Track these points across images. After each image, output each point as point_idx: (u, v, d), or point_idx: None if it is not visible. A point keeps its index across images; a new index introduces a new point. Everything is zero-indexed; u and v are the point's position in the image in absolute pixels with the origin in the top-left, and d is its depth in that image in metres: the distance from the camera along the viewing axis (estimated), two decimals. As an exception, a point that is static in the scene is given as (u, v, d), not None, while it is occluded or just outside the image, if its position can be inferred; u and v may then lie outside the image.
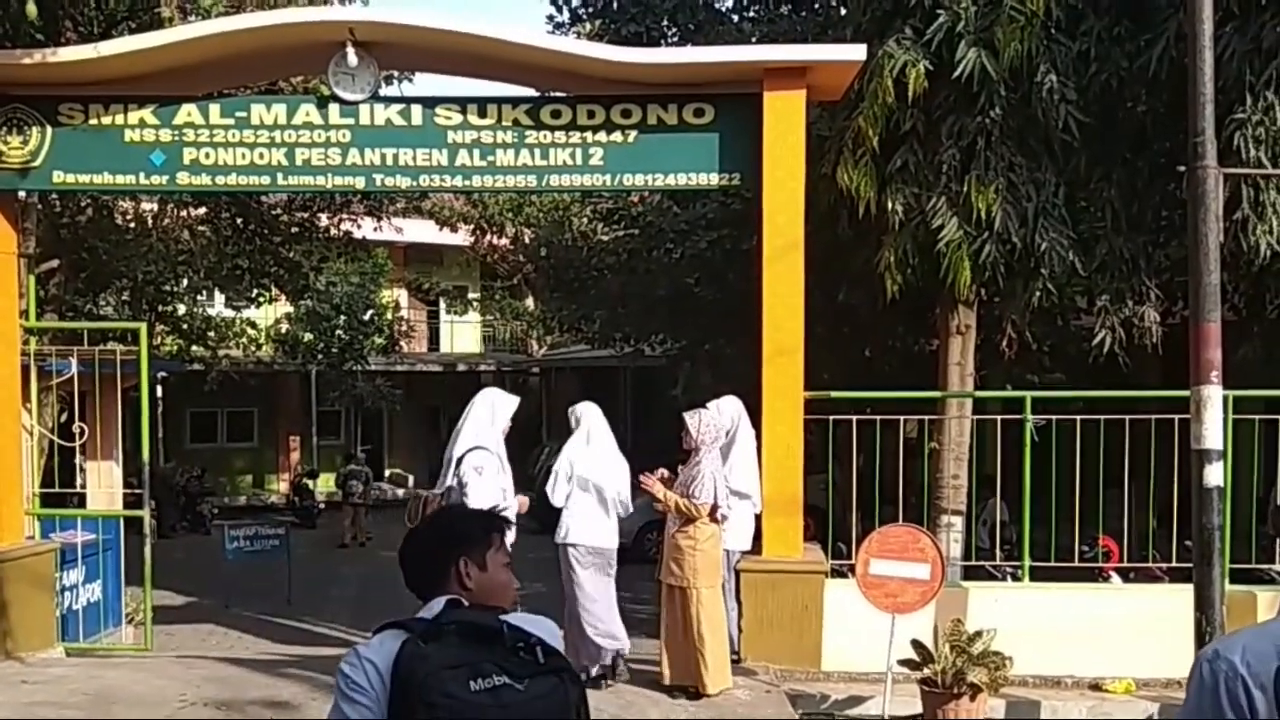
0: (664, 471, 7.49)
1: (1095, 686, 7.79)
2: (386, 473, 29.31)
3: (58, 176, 8.23)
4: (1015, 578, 8.83)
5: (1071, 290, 9.42)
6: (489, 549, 2.53)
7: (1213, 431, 6.40)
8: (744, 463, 7.86)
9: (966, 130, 8.67)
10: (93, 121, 8.11)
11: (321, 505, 23.66)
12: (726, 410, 7.61)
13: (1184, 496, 7.06)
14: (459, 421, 7.35)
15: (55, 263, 12.98)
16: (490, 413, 7.32)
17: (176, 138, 8.10)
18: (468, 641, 2.25)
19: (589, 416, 7.68)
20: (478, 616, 2.33)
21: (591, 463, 7.42)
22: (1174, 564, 8.26)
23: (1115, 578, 9.45)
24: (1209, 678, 1.90)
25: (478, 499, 6.75)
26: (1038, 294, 9.00)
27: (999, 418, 9.48)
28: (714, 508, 7.02)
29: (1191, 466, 6.50)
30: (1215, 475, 6.41)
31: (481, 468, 6.98)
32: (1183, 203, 7.31)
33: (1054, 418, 8.38)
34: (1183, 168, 6.70)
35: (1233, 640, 1.94)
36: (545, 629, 2.40)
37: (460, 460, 7.04)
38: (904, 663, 7.08)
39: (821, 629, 7.79)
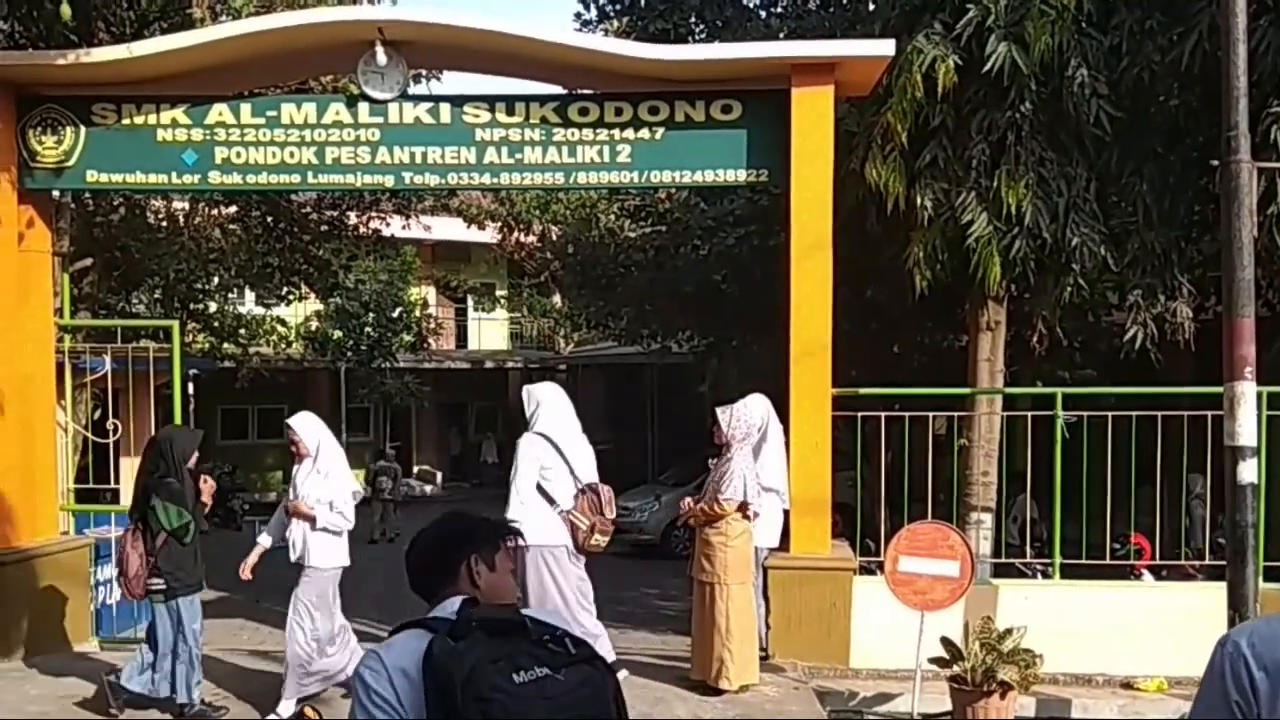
0: (688, 501, 7.45)
1: (1127, 685, 7.74)
2: (414, 469, 29.47)
3: (91, 176, 8.32)
4: (1046, 575, 8.78)
5: (1103, 286, 9.34)
6: (497, 550, 2.55)
7: (1246, 428, 6.35)
8: (774, 460, 7.85)
9: (996, 125, 8.61)
10: (125, 121, 8.20)
11: (351, 501, 23.79)
12: (755, 408, 7.60)
13: (1217, 493, 7.00)
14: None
15: (89, 261, 13.15)
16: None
17: (208, 137, 8.17)
18: (495, 636, 2.23)
19: (551, 398, 7.32)
20: (499, 613, 2.33)
21: (571, 452, 7.15)
22: (1207, 561, 8.19)
23: (1147, 575, 9.38)
24: (1218, 661, 2.00)
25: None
26: (1068, 289, 8.93)
27: (1029, 414, 9.42)
28: (743, 504, 7.02)
29: (1224, 463, 6.45)
30: (1249, 472, 6.36)
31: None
32: (1216, 197, 7.24)
33: (1085, 414, 8.32)
34: (1216, 162, 6.64)
35: (1244, 625, 2.05)
36: (561, 621, 2.41)
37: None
38: (933, 660, 7.06)
39: (850, 626, 7.77)
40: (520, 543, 6.51)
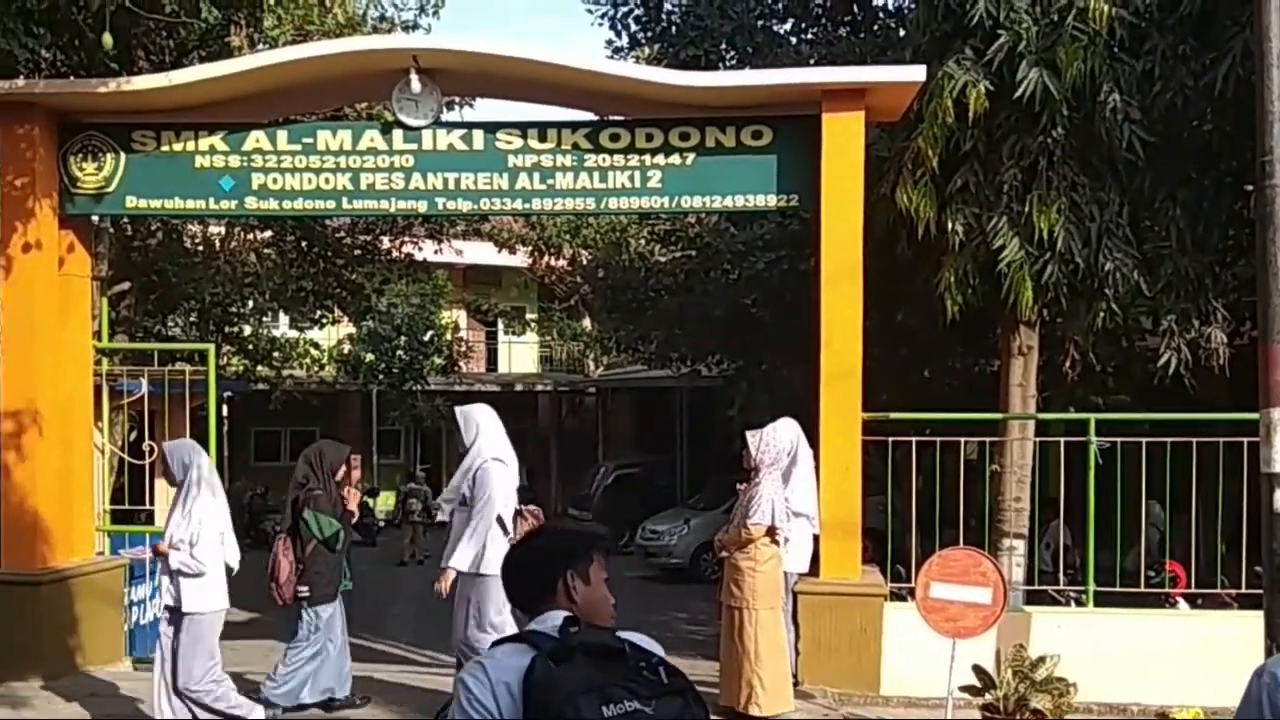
0: (720, 537, 7.45)
1: (1162, 715, 7.63)
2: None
3: (130, 201, 8.46)
4: (1079, 603, 8.69)
5: (1136, 311, 9.29)
6: (591, 564, 2.61)
7: (1283, 455, 6.26)
8: (803, 484, 7.83)
9: (1028, 150, 8.60)
10: (164, 148, 8.33)
11: (381, 523, 23.91)
12: (785, 432, 7.59)
13: (1253, 521, 6.91)
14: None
15: (126, 285, 13.34)
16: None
17: (245, 163, 8.29)
18: (595, 661, 2.30)
19: (490, 420, 7.12)
20: (601, 637, 2.40)
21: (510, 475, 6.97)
22: (1243, 590, 8.09)
23: (1182, 603, 9.27)
24: (1255, 690, 2.05)
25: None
26: (1101, 315, 8.88)
27: (1062, 440, 9.36)
28: (771, 529, 7.01)
29: (1261, 490, 6.37)
30: (1286, 500, 6.27)
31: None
32: (1250, 222, 7.20)
33: (1119, 440, 8.25)
34: (1250, 186, 6.60)
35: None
36: (658, 647, 2.49)
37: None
38: (965, 688, 7.00)
39: (880, 652, 7.72)
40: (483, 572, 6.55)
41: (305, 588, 7.26)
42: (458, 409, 7.26)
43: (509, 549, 2.76)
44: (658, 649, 2.44)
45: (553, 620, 2.46)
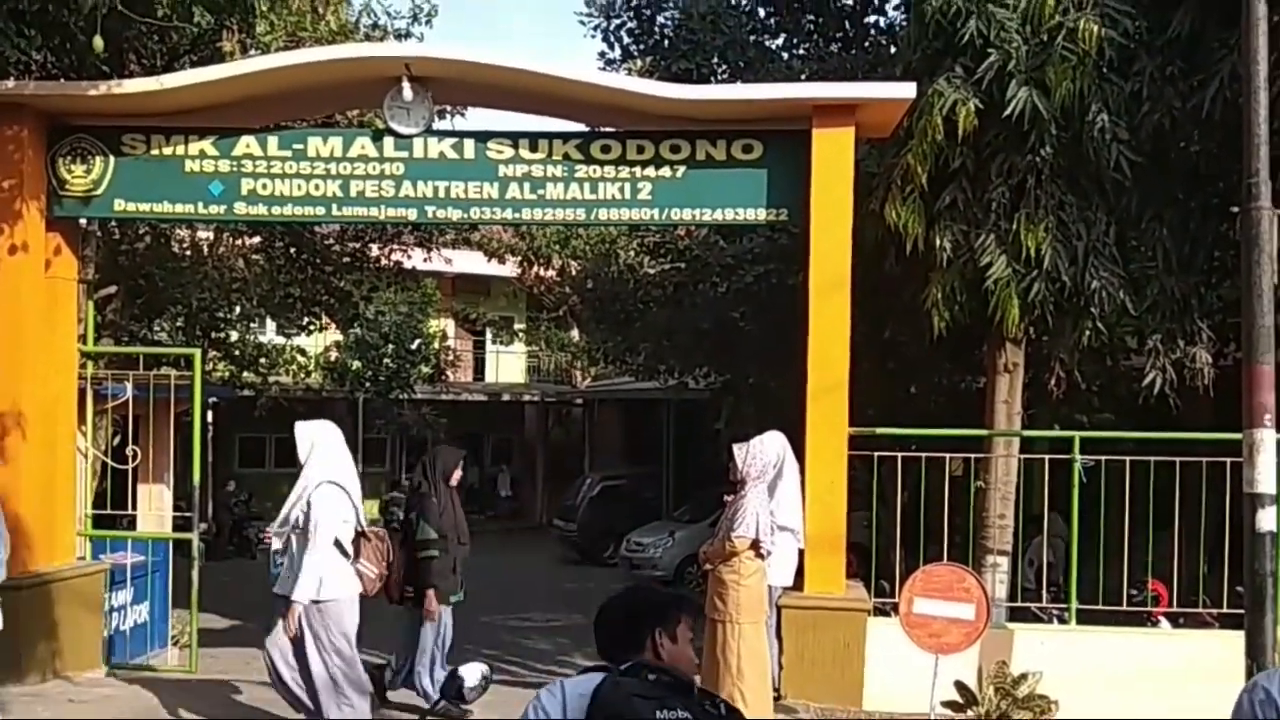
0: (704, 550, 7.47)
1: (1144, 733, 7.65)
2: (430, 501, 29.47)
3: (119, 205, 8.44)
4: (1062, 620, 8.71)
5: (1122, 330, 9.33)
6: (679, 625, 2.84)
7: (1265, 476, 6.31)
8: (789, 497, 7.84)
9: (1016, 168, 8.65)
10: (154, 152, 8.31)
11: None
12: (771, 445, 7.59)
13: (1235, 541, 6.94)
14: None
15: (113, 289, 13.28)
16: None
17: (235, 168, 8.28)
18: (661, 684, 2.62)
19: (329, 438, 6.83)
20: (673, 669, 2.71)
21: (357, 498, 6.78)
22: (1225, 609, 8.12)
23: (1164, 622, 9.29)
24: (1245, 705, 2.05)
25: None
26: (1087, 333, 8.92)
27: (1047, 457, 9.39)
28: (755, 543, 7.00)
29: (1243, 511, 6.41)
30: (1268, 520, 6.31)
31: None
32: (1236, 244, 7.24)
33: (1103, 458, 8.28)
34: (1236, 208, 6.65)
35: (1272, 671, 2.07)
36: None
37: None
38: (947, 704, 7.01)
39: (863, 667, 7.72)
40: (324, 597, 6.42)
41: (412, 589, 7.45)
42: (297, 425, 6.86)
43: (605, 602, 2.96)
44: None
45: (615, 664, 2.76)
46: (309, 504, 6.53)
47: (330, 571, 6.51)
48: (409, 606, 7.55)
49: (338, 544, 6.55)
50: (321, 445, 6.71)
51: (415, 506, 7.53)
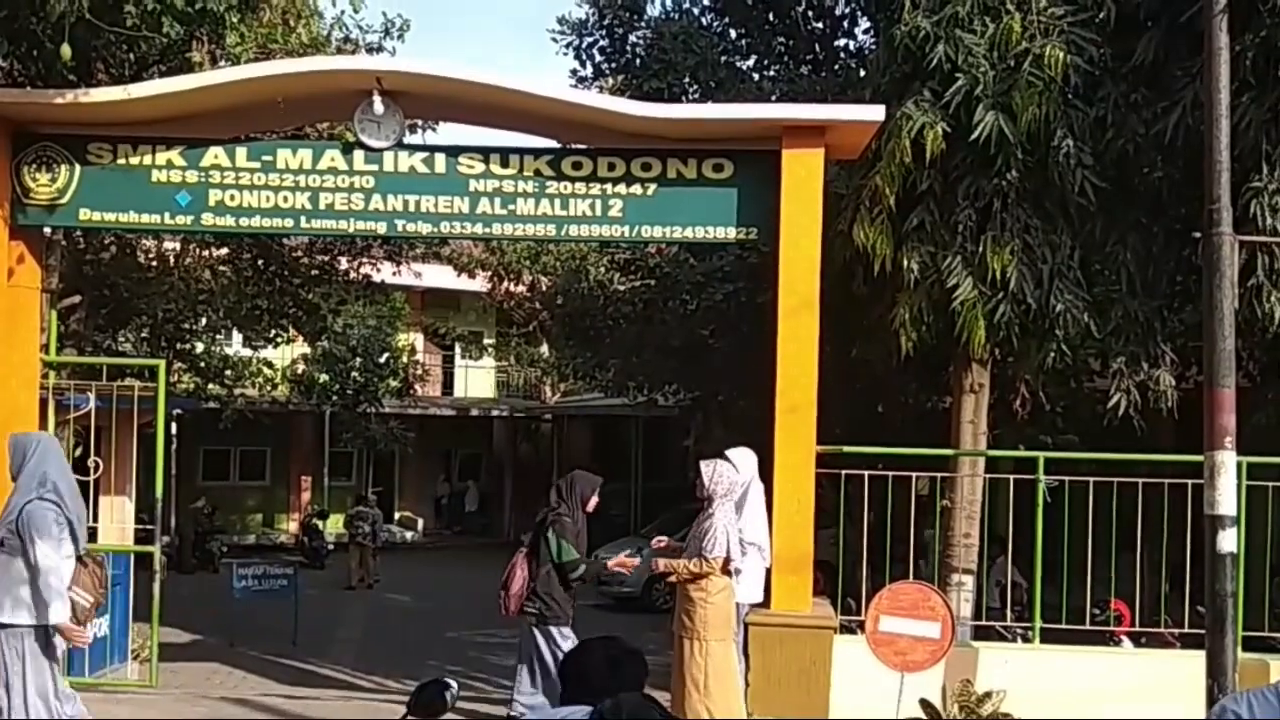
0: (664, 540, 7.51)
1: (1105, 753, 7.70)
2: (396, 515, 29.28)
3: (84, 214, 8.36)
4: (1026, 639, 8.77)
5: (1086, 352, 9.43)
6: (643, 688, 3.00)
7: (1226, 497, 6.38)
8: (756, 514, 7.85)
9: (983, 192, 8.74)
10: (121, 161, 8.25)
11: (331, 546, 23.63)
12: (743, 462, 7.60)
13: (1197, 562, 7.02)
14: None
15: (77, 299, 13.15)
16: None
17: (202, 179, 8.22)
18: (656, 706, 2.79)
19: (49, 449, 6.29)
20: (644, 709, 2.82)
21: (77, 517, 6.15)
22: (1186, 630, 8.20)
23: (1126, 641, 9.37)
24: None
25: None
26: (1052, 355, 9.01)
27: (1011, 477, 9.46)
28: (726, 560, 7.01)
29: (1205, 532, 6.48)
30: (1228, 541, 6.38)
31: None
32: (1198, 268, 7.34)
33: (1067, 479, 8.36)
34: (1198, 234, 6.74)
35: (1238, 695, 2.06)
36: None
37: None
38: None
39: (829, 685, 7.72)
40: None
41: (533, 606, 7.52)
42: (10, 437, 6.43)
43: (567, 656, 3.12)
44: None
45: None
46: (17, 522, 5.92)
47: (51, 598, 5.88)
48: (531, 623, 7.56)
49: (52, 568, 5.90)
50: (37, 458, 6.10)
51: (552, 526, 7.60)
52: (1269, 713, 2.03)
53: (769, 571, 7.86)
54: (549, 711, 2.90)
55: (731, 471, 7.33)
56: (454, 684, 3.61)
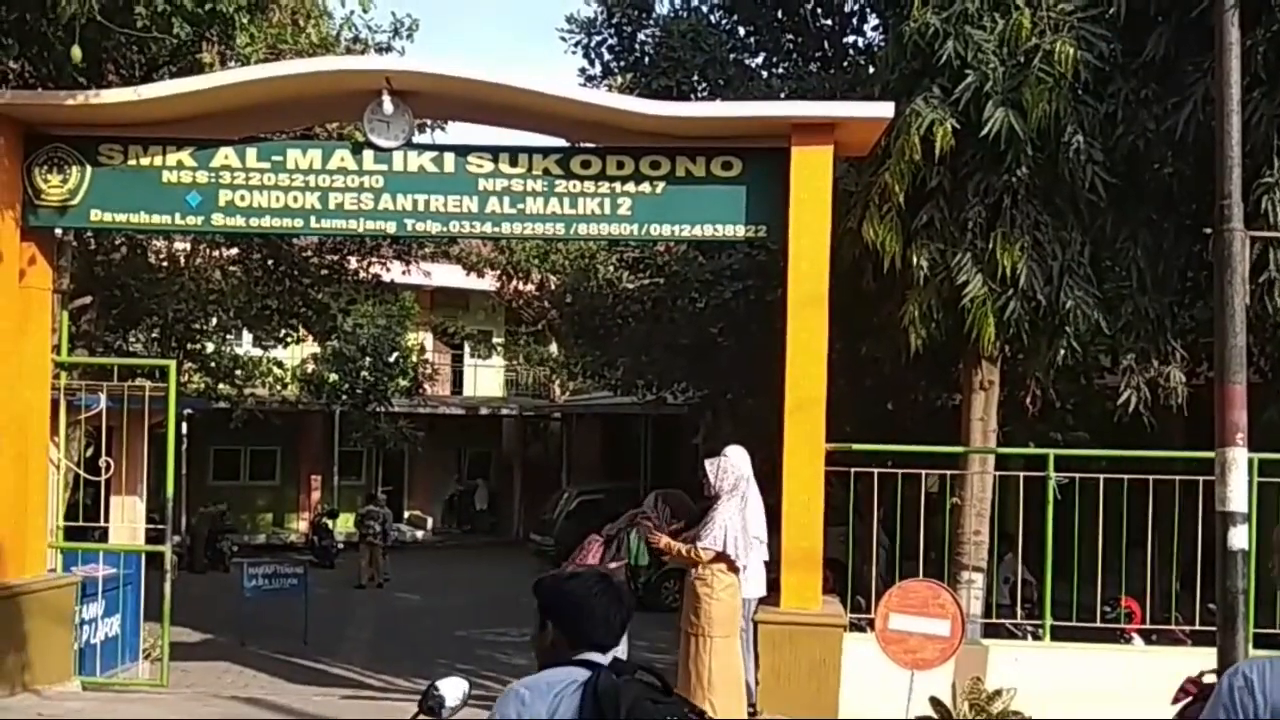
0: (665, 540, 7.50)
1: (1116, 750, 7.68)
2: (406, 514, 29.34)
3: (95, 215, 8.40)
4: (1036, 637, 8.75)
5: (1096, 349, 9.40)
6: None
7: (1237, 494, 6.36)
8: (757, 509, 7.85)
9: (993, 188, 8.71)
10: (131, 162, 8.28)
11: (341, 545, 23.69)
12: (738, 458, 7.59)
13: (1207, 559, 7.00)
14: None
15: (88, 299, 13.18)
16: None
17: (213, 180, 8.25)
18: (654, 687, 2.63)
19: None
20: (653, 670, 2.71)
21: None
22: (1197, 627, 8.17)
23: (1137, 639, 9.35)
24: (1225, 690, 2.07)
25: None
26: (1062, 352, 8.98)
27: (1021, 474, 9.44)
28: (721, 555, 7.00)
29: (1215, 529, 6.46)
30: (1239, 538, 6.36)
31: None
32: (1209, 265, 7.32)
33: (1077, 476, 8.34)
34: (1209, 230, 6.72)
35: (1254, 661, 2.11)
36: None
37: None
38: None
39: (839, 683, 7.72)
40: None
41: None
42: None
43: (581, 583, 2.85)
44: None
45: (598, 657, 2.71)
46: None
47: None
48: None
49: None
50: None
51: (638, 529, 7.71)
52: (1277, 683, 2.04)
53: (767, 565, 7.87)
54: (545, 674, 2.69)
55: (736, 467, 7.33)
56: (466, 683, 3.59)
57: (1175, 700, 4.39)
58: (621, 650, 2.81)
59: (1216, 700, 2.07)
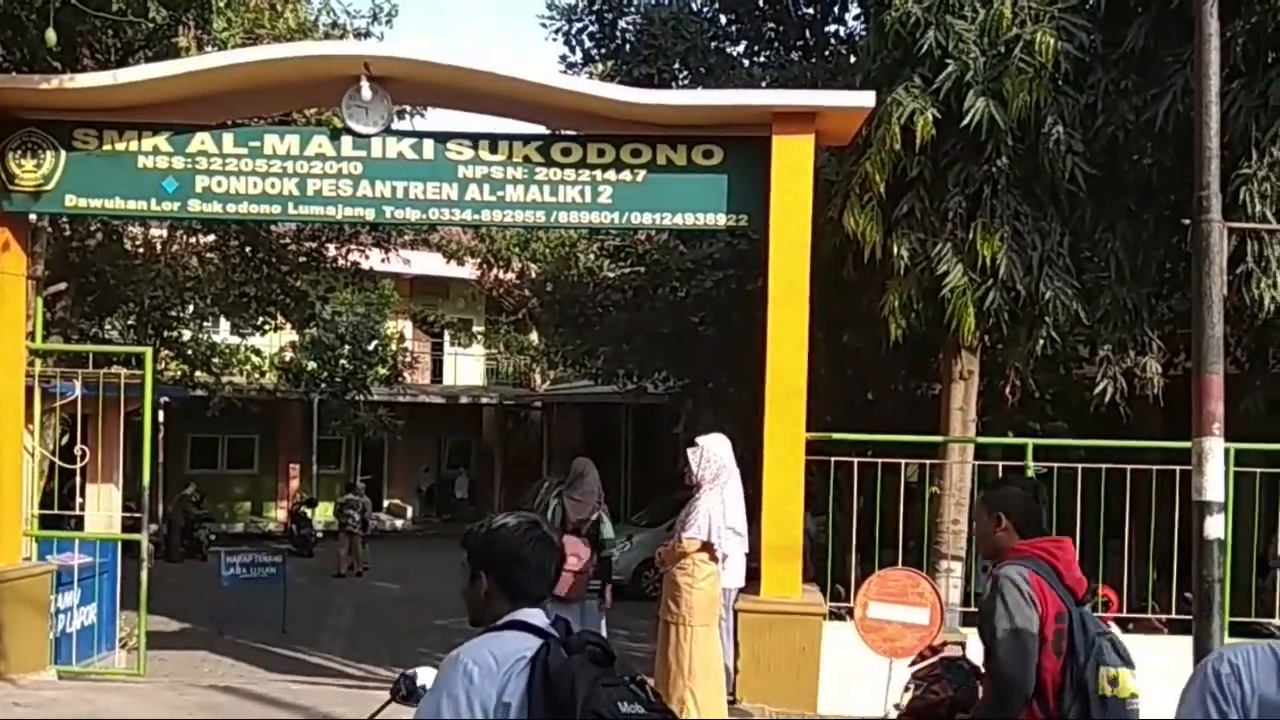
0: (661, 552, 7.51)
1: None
2: (385, 503, 29.25)
3: (70, 200, 8.30)
4: (1014, 625, 8.77)
5: (1074, 339, 9.45)
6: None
7: (1214, 484, 6.40)
8: (736, 499, 7.85)
9: (973, 178, 8.73)
10: (107, 147, 8.19)
11: (319, 534, 23.61)
12: (720, 447, 7.58)
13: (1184, 548, 7.05)
14: None
15: (63, 286, 13.06)
16: None
17: (189, 165, 8.17)
18: (600, 663, 2.45)
19: None
20: (599, 640, 2.53)
21: None
22: (1173, 615, 8.23)
23: (1114, 627, 9.39)
24: (1214, 679, 2.06)
25: None
26: (1041, 342, 9.03)
27: (1000, 464, 9.48)
28: (707, 545, 7.01)
29: (1192, 518, 6.50)
30: (1216, 528, 6.40)
31: None
32: (1187, 255, 7.36)
33: (1055, 465, 8.38)
34: (1187, 221, 6.75)
35: (1235, 646, 2.12)
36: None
37: None
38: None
39: (818, 671, 7.75)
40: None
41: (600, 585, 8.04)
42: None
43: (506, 528, 2.70)
44: None
45: (539, 618, 2.57)
46: None
47: None
48: (601, 605, 8.34)
49: None
50: None
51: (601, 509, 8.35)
52: (1263, 667, 2.03)
53: (757, 558, 7.87)
54: (490, 644, 2.55)
55: (718, 456, 7.33)
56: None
57: (913, 663, 4.55)
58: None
59: (1203, 688, 2.05)
